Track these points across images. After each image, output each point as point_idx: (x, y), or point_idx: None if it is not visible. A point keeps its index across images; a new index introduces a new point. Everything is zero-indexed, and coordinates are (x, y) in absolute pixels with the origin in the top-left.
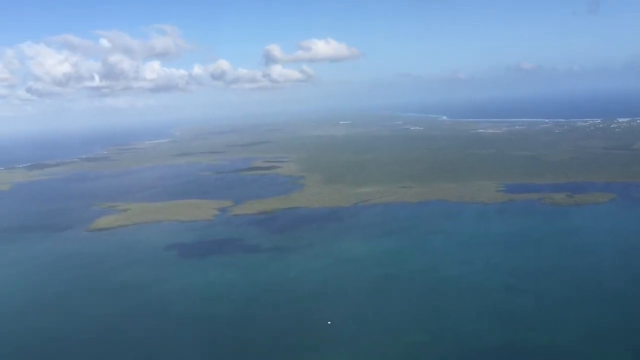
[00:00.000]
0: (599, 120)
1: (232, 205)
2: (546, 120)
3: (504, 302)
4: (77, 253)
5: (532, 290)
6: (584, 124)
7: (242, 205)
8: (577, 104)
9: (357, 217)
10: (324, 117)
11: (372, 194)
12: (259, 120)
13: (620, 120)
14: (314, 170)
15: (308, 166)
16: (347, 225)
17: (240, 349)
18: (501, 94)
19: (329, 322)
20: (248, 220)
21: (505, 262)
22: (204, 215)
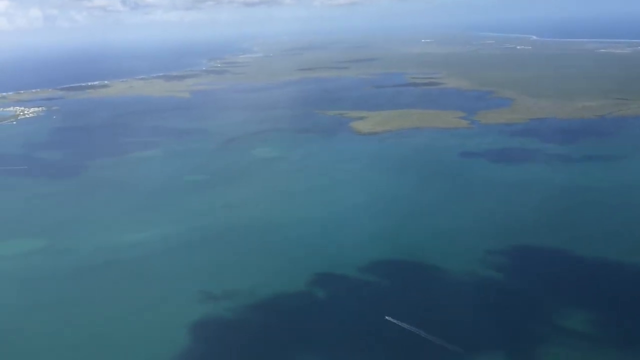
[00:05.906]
0: None
1: (468, 115)
2: None
3: None
4: (388, 155)
5: None
6: None
7: (478, 115)
8: None
9: (627, 129)
10: (396, 36)
11: (599, 108)
12: (328, 37)
13: None
14: (491, 85)
15: (478, 82)
16: (633, 137)
17: None
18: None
19: None
20: (507, 129)
21: None
22: (456, 123)
